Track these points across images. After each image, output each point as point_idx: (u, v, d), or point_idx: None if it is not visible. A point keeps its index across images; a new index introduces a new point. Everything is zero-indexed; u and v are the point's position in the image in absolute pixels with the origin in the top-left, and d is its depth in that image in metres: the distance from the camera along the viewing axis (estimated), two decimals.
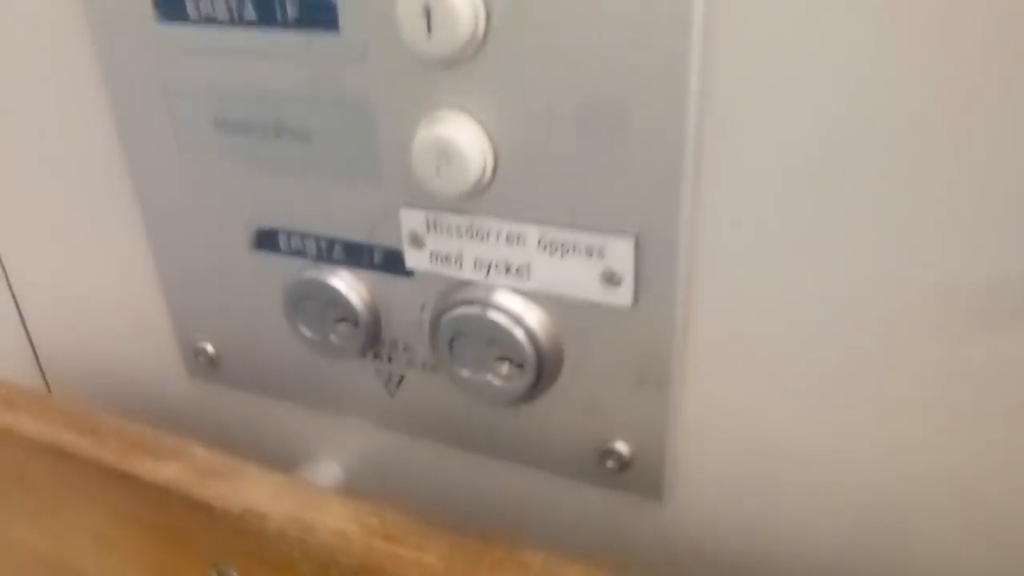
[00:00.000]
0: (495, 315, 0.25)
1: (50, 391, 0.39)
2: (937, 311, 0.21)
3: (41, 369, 0.39)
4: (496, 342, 0.26)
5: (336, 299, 0.28)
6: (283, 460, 0.34)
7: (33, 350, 0.39)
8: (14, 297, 0.37)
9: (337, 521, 0.27)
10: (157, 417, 0.37)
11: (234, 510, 0.29)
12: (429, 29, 0.22)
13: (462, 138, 0.23)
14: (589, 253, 0.24)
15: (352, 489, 0.34)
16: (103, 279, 0.34)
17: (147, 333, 0.35)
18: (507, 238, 0.24)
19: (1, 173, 0.34)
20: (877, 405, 0.23)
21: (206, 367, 0.34)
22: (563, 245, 0.24)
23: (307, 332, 0.29)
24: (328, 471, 0.34)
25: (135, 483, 0.31)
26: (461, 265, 0.26)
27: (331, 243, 0.28)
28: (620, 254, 0.23)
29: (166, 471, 0.30)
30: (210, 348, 0.33)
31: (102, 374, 0.37)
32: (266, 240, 0.29)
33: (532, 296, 0.25)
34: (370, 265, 0.27)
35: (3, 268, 0.37)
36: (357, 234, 0.27)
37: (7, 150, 0.33)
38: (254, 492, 0.29)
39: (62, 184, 0.33)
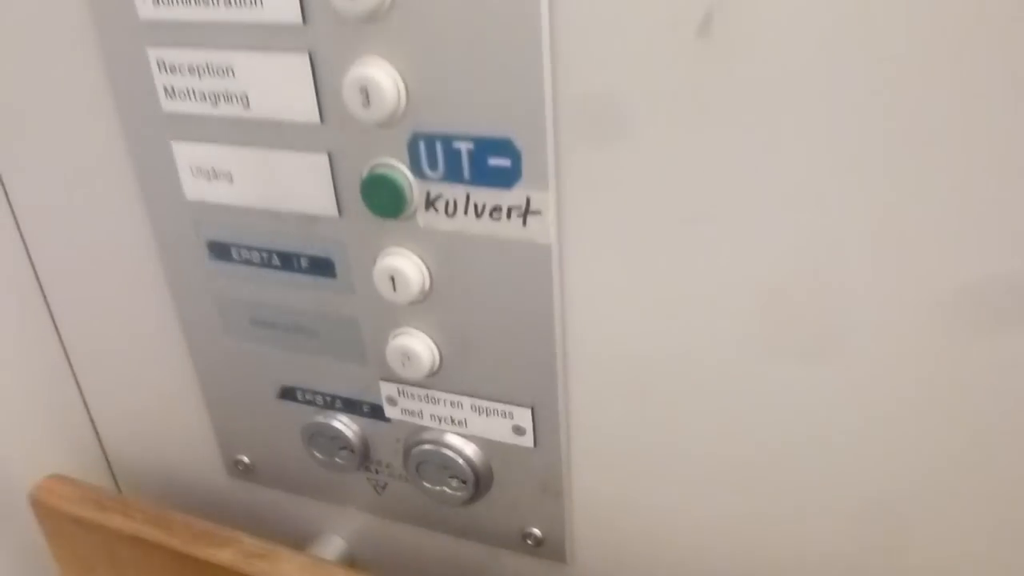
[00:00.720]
0: (446, 450, 0.38)
1: (120, 490, 0.52)
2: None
3: (112, 473, 0.52)
4: (447, 467, 0.39)
5: (338, 435, 0.41)
6: (301, 537, 0.47)
7: (107, 459, 0.51)
8: (92, 422, 0.50)
9: None
10: (204, 507, 0.50)
11: None
12: (394, 288, 0.34)
13: (418, 347, 0.36)
14: (503, 415, 0.37)
15: (353, 559, 0.47)
16: (165, 408, 0.47)
17: (197, 447, 0.47)
18: (451, 403, 0.37)
19: (98, 344, 0.46)
20: (711, 490, 0.36)
21: (243, 472, 0.46)
22: (487, 409, 0.37)
23: (318, 455, 0.42)
24: (335, 545, 0.47)
25: (199, 564, 0.43)
26: (422, 417, 0.39)
27: (334, 398, 0.41)
28: (523, 417, 0.36)
29: (222, 555, 0.43)
30: (246, 459, 0.46)
31: (161, 476, 0.50)
32: (287, 394, 0.42)
33: (470, 437, 0.38)
34: (361, 413, 0.40)
35: (86, 402, 0.49)
36: (352, 393, 0.40)
37: (103, 331, 0.45)
38: (287, 569, 0.42)
39: (138, 351, 0.45)
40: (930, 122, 0.25)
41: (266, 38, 0.32)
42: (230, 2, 0.31)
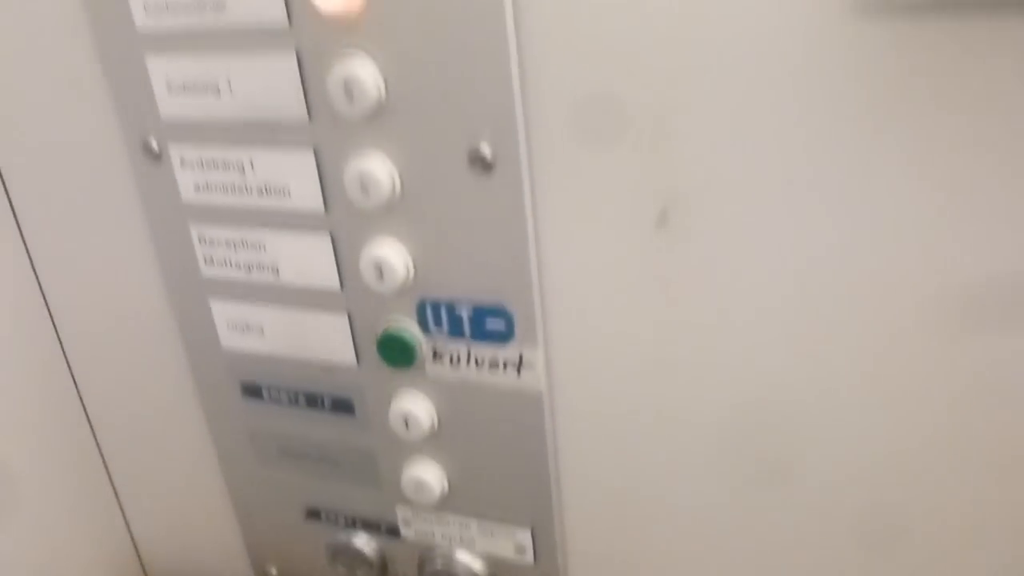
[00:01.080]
0: (455, 567, 0.43)
1: None
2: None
3: None
4: None
5: (359, 552, 0.45)
6: None
7: (144, 571, 0.55)
8: (131, 535, 0.54)
9: None
10: None
11: None
12: (407, 427, 0.39)
13: (429, 477, 0.40)
14: (506, 535, 0.41)
15: None
16: (200, 525, 0.51)
17: (229, 560, 0.51)
18: (459, 524, 0.42)
19: (139, 467, 0.51)
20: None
21: None
22: (492, 531, 0.41)
23: (342, 569, 0.46)
24: None
25: None
26: (434, 537, 0.43)
27: (355, 519, 0.45)
28: (523, 536, 0.41)
29: None
30: (274, 572, 0.50)
31: None
32: (313, 514, 0.46)
33: (477, 554, 0.43)
34: (380, 532, 0.45)
35: (126, 518, 0.54)
36: (371, 515, 0.44)
37: (144, 455, 0.50)
38: None
39: (176, 475, 0.50)
40: (860, 291, 0.30)
41: (293, 221, 0.37)
42: (263, 192, 0.37)
